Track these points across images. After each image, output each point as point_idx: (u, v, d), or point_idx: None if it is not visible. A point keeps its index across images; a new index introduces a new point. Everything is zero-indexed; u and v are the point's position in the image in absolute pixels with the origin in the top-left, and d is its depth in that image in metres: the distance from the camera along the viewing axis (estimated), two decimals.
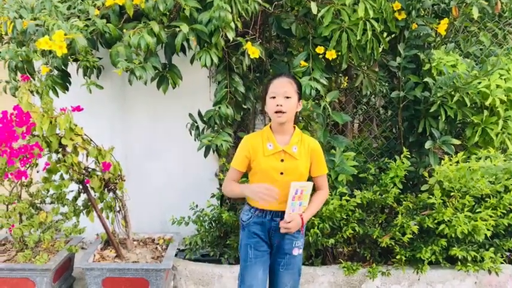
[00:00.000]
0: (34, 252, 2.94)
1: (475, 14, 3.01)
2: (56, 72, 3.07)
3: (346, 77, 3.93)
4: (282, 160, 2.23)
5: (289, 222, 2.20)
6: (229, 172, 2.37)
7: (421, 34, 3.21)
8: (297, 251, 2.35)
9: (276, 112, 2.18)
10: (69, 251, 2.96)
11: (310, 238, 3.06)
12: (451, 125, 3.33)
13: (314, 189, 2.35)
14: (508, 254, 3.26)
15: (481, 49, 3.45)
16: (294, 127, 2.31)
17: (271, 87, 2.21)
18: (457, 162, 3.07)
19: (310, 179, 2.36)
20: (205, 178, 3.55)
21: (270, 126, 2.30)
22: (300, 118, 3.43)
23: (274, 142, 2.24)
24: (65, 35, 2.61)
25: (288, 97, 2.17)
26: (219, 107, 3.08)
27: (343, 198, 3.03)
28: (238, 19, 2.93)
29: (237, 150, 2.33)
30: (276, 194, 2.10)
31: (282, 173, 2.22)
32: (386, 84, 3.59)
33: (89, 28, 2.85)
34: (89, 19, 2.91)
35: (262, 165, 2.24)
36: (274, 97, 2.18)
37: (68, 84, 3.14)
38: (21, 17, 2.96)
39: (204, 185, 3.51)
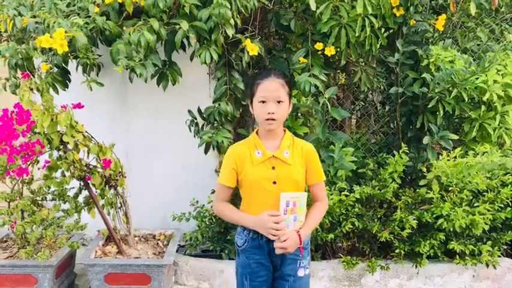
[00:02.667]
0: (36, 249, 2.96)
1: (473, 10, 3.02)
2: (56, 69, 3.08)
3: (344, 73, 3.96)
4: (274, 167, 1.99)
5: (284, 240, 1.93)
6: (217, 190, 2.13)
7: (419, 30, 3.23)
8: (303, 272, 2.08)
9: (267, 120, 1.95)
10: (71, 247, 2.97)
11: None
12: (449, 120, 3.36)
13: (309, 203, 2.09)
14: (505, 247, 3.29)
15: (478, 44, 3.47)
16: (285, 130, 2.09)
17: (260, 89, 1.96)
18: (455, 157, 3.10)
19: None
20: (205, 174, 3.57)
21: (257, 132, 2.09)
22: (299, 114, 3.47)
23: (262, 149, 2.01)
24: (65, 32, 2.62)
25: (279, 101, 1.95)
26: (219, 104, 3.09)
27: (342, 193, 3.05)
28: (238, 16, 2.94)
29: (223, 164, 2.09)
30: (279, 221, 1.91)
31: (274, 182, 1.99)
32: (385, 80, 3.62)
33: (88, 25, 2.86)
34: (89, 16, 2.91)
35: (252, 177, 2.00)
36: (264, 101, 1.95)
37: (68, 81, 3.15)
38: (20, 14, 2.97)
39: (204, 181, 3.52)
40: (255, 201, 2.03)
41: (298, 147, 2.05)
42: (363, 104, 4.07)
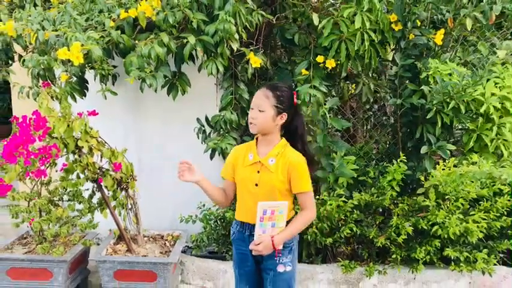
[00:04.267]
0: (52, 246, 3.17)
1: (469, 25, 3.15)
2: (74, 79, 3.32)
3: (354, 85, 4.10)
4: (258, 171, 2.19)
5: (258, 244, 2.12)
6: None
7: (419, 44, 3.36)
8: (283, 268, 2.22)
9: (250, 123, 2.18)
10: (84, 244, 3.19)
11: (309, 237, 3.24)
12: (448, 131, 3.46)
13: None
14: (502, 255, 3.36)
15: (478, 58, 3.57)
16: (282, 139, 2.24)
17: (253, 98, 2.22)
18: (453, 166, 3.20)
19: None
20: (213, 179, 3.72)
21: (257, 138, 2.29)
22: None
23: (255, 153, 2.22)
24: (82, 45, 2.85)
25: (261, 110, 2.14)
26: (224, 113, 3.28)
27: (340, 199, 3.19)
28: (243, 30, 3.12)
29: (226, 160, 2.40)
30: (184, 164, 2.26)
31: (256, 185, 2.19)
32: (387, 91, 3.75)
33: (104, 39, 3.09)
34: (105, 30, 3.15)
35: (240, 176, 2.25)
36: (253, 108, 2.18)
37: (85, 90, 3.38)
38: (43, 28, 3.22)
39: None
40: (241, 198, 2.29)
41: (285, 158, 2.18)
42: (371, 114, 4.22)
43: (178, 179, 3.80)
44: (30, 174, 2.82)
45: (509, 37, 3.80)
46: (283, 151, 2.20)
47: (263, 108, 2.14)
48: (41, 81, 3.20)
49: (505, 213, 3.18)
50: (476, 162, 2.83)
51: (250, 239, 2.19)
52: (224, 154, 3.30)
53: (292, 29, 3.40)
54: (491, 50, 3.63)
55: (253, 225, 2.15)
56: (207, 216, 3.53)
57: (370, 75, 3.76)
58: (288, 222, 2.20)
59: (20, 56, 3.51)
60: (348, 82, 3.93)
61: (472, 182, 2.94)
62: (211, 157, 3.37)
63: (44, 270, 3.06)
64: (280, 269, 2.22)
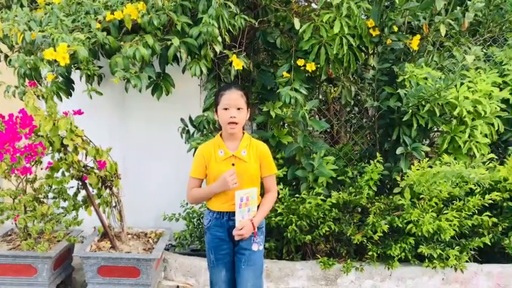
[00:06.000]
0: (37, 242, 3.23)
1: (443, 31, 3.28)
2: (60, 79, 3.38)
3: (336, 88, 4.22)
4: (233, 164, 2.43)
5: (241, 229, 2.40)
6: (189, 183, 2.56)
7: (396, 49, 3.49)
8: (257, 247, 2.50)
9: (230, 123, 2.38)
10: (68, 241, 3.25)
11: (288, 234, 3.34)
12: (424, 133, 3.59)
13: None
14: (473, 252, 3.50)
15: (453, 63, 3.70)
16: (244, 133, 2.51)
17: (223, 99, 2.40)
18: (427, 167, 3.33)
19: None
20: None
21: (221, 134, 2.52)
22: (286, 125, 3.73)
23: (224, 149, 2.45)
24: (68, 46, 2.92)
25: (239, 108, 2.39)
26: (208, 113, 3.37)
27: (319, 198, 3.30)
28: (226, 33, 3.22)
29: (193, 161, 2.56)
30: (233, 173, 2.36)
31: None
32: (368, 94, 3.87)
33: (90, 40, 3.16)
34: (91, 31, 3.22)
35: (215, 171, 2.43)
36: (227, 108, 2.38)
37: (71, 90, 3.44)
38: (30, 29, 3.28)
39: None
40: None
41: (253, 147, 2.49)
42: (352, 116, 4.35)
43: (163, 178, 3.93)
44: (16, 172, 2.88)
45: (482, 43, 3.95)
46: (250, 142, 2.50)
47: (241, 106, 2.40)
48: (27, 80, 3.25)
49: (476, 212, 3.32)
50: (448, 163, 2.95)
51: (229, 224, 2.47)
52: None
53: (275, 33, 3.51)
54: (466, 56, 3.77)
55: (231, 213, 2.43)
56: (190, 215, 3.63)
57: (351, 78, 3.89)
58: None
59: (6, 56, 3.57)
60: (330, 85, 4.05)
61: (445, 181, 3.07)
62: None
63: (28, 266, 3.12)
64: (255, 247, 2.49)
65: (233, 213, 2.43)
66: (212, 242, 2.54)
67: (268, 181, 2.57)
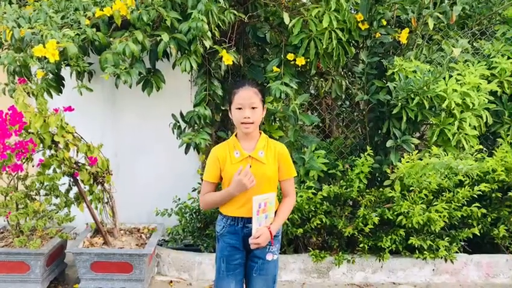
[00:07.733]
0: (29, 239, 3.23)
1: (431, 24, 3.30)
2: (50, 76, 3.37)
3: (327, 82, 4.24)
4: (250, 166, 2.20)
5: (257, 237, 2.16)
6: (203, 188, 2.35)
7: (385, 42, 3.51)
8: (271, 257, 2.32)
9: (243, 123, 2.20)
10: (61, 237, 3.26)
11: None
12: (414, 125, 3.62)
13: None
14: (462, 243, 3.54)
15: (442, 56, 3.73)
16: (260, 133, 2.33)
17: (236, 98, 2.21)
18: (417, 159, 3.36)
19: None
20: (189, 173, 3.85)
21: (236, 135, 2.33)
22: (276, 119, 3.75)
23: (240, 149, 2.26)
24: (58, 43, 2.92)
25: (254, 107, 2.20)
26: (198, 109, 3.38)
27: (310, 191, 3.32)
28: (216, 28, 3.22)
29: (207, 164, 2.34)
30: (249, 171, 2.15)
31: None
32: (358, 88, 3.89)
33: (80, 36, 3.16)
34: (81, 28, 3.21)
35: (231, 174, 2.22)
36: (240, 108, 2.20)
37: (61, 87, 3.44)
38: (19, 26, 3.27)
39: (187, 179, 3.81)
40: None
41: (271, 148, 2.29)
42: (343, 110, 4.37)
43: (155, 174, 3.94)
44: (7, 169, 2.88)
45: (471, 36, 3.99)
46: (267, 143, 2.30)
47: (256, 105, 2.20)
48: (17, 77, 3.25)
49: (466, 203, 3.36)
50: (437, 155, 2.99)
51: (244, 231, 2.27)
52: (198, 149, 3.40)
53: (264, 28, 3.52)
54: (453, 48, 3.80)
55: (247, 219, 2.23)
56: (183, 210, 3.64)
57: (341, 72, 3.91)
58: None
59: None
60: (321, 79, 4.07)
61: (434, 173, 3.10)
62: (186, 152, 3.46)
63: (21, 263, 3.12)
64: (269, 257, 2.31)
65: (248, 220, 2.22)
66: (224, 250, 2.33)
67: (286, 185, 2.35)
